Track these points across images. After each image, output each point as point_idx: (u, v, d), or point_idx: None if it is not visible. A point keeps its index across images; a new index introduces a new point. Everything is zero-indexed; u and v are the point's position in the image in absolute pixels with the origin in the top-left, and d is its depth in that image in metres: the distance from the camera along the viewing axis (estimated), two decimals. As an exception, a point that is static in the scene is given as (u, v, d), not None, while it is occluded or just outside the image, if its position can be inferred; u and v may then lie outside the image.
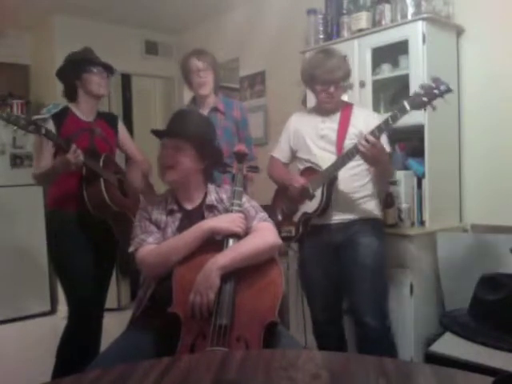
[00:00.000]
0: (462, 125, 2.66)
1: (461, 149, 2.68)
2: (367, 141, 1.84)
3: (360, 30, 2.70)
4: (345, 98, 2.46)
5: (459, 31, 2.64)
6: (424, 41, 2.41)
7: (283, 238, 2.36)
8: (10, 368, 2.85)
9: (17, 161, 3.83)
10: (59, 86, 2.31)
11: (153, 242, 1.62)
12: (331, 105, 2.17)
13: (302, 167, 2.26)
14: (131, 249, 1.65)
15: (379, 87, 2.70)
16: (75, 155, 1.94)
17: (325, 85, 2.11)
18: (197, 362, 1.14)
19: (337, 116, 2.19)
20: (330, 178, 2.09)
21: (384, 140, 2.03)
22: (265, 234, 1.62)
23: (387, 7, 2.61)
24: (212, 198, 1.73)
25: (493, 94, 2.53)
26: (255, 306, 1.47)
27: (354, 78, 2.62)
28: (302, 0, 3.24)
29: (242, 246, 1.57)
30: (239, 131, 2.55)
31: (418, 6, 2.47)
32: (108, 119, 2.37)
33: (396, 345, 2.23)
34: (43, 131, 1.90)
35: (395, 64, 2.64)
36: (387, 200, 2.46)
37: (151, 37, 4.57)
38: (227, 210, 1.69)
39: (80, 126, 2.19)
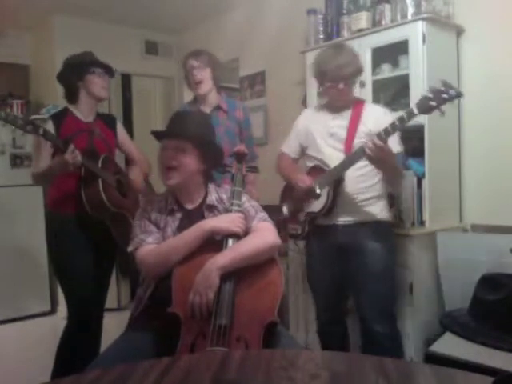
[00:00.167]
0: (461, 125, 2.66)
1: (461, 149, 2.68)
2: (374, 144, 1.81)
3: (360, 30, 2.70)
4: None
5: (459, 31, 2.64)
6: (424, 41, 2.41)
7: (290, 236, 2.37)
8: (10, 368, 2.85)
9: (17, 161, 3.83)
10: (59, 87, 2.31)
11: (152, 242, 1.62)
12: (341, 102, 2.14)
13: (309, 165, 2.24)
14: (130, 248, 1.65)
15: (379, 87, 2.70)
16: (73, 156, 1.94)
17: (334, 81, 2.05)
18: (197, 362, 1.14)
19: (347, 113, 2.14)
20: (336, 178, 2.07)
21: (394, 140, 1.99)
22: (264, 234, 1.62)
23: (387, 7, 2.61)
24: (212, 197, 1.73)
25: (493, 94, 2.53)
26: (255, 305, 1.47)
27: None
28: (302, 0, 3.24)
29: (242, 245, 1.57)
30: (241, 131, 2.56)
31: (417, 6, 2.47)
32: (107, 120, 2.37)
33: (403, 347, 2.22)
34: (41, 131, 1.89)
35: (395, 64, 2.64)
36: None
37: (151, 37, 4.57)
38: (227, 210, 1.69)
39: (79, 127, 2.19)
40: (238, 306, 1.45)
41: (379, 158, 1.85)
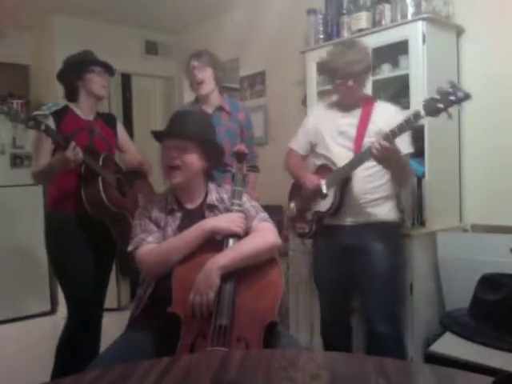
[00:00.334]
0: (461, 125, 2.66)
1: (461, 149, 2.68)
2: (380, 145, 1.79)
3: (360, 30, 2.70)
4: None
5: (459, 31, 2.64)
6: (424, 41, 2.41)
7: (297, 234, 2.36)
8: (10, 368, 2.85)
9: (17, 161, 3.83)
10: (59, 86, 2.31)
11: (153, 242, 1.62)
12: (351, 99, 2.11)
13: (317, 163, 2.22)
14: (130, 247, 1.65)
15: (379, 87, 2.70)
16: (74, 152, 1.93)
17: (344, 78, 2.02)
18: (197, 362, 1.14)
19: (358, 112, 2.11)
20: (344, 178, 2.05)
21: (405, 140, 1.96)
22: (265, 234, 1.62)
23: (387, 7, 2.61)
24: (213, 197, 1.73)
25: (493, 94, 2.53)
26: (255, 306, 1.47)
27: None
28: (302, 0, 3.24)
29: (243, 245, 1.57)
30: (242, 132, 2.57)
31: (418, 5, 2.47)
32: (107, 120, 2.37)
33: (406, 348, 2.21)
34: (43, 127, 1.89)
35: (395, 64, 2.64)
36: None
37: (151, 37, 4.57)
38: (228, 210, 1.69)
39: (79, 125, 2.19)
40: (239, 306, 1.45)
41: (385, 158, 1.83)
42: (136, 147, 2.52)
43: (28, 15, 3.97)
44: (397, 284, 2.14)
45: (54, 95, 3.62)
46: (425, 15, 2.41)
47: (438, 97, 1.67)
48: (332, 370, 1.07)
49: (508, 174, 2.50)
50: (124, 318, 1.71)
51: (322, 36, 2.98)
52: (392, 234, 2.14)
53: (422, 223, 2.50)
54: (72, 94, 2.24)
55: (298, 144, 2.32)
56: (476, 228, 2.60)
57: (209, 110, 2.51)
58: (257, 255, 1.55)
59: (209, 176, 1.78)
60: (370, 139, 2.00)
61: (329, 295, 2.25)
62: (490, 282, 2.05)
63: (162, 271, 1.57)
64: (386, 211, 2.11)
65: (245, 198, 1.74)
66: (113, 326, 2.07)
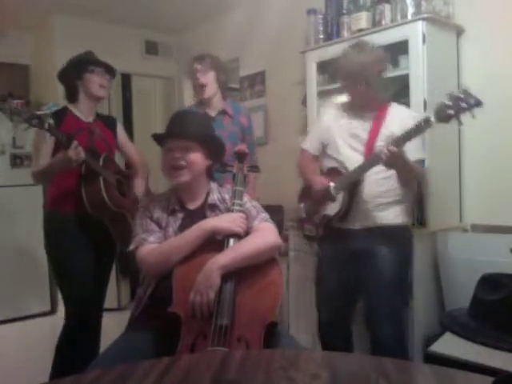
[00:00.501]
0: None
1: (461, 149, 2.68)
2: (388, 150, 1.77)
3: (360, 30, 2.70)
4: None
5: (459, 31, 2.64)
6: (424, 41, 2.41)
7: (305, 236, 2.35)
8: (10, 368, 2.85)
9: (17, 161, 3.83)
10: (59, 87, 2.31)
11: (154, 241, 1.62)
12: (363, 102, 2.08)
13: (327, 165, 2.20)
14: (131, 247, 1.65)
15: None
16: (76, 152, 1.93)
17: (354, 82, 2.00)
18: (197, 362, 1.14)
19: (371, 114, 2.07)
20: (354, 182, 2.02)
21: (416, 145, 1.92)
22: (265, 235, 1.62)
23: (387, 7, 2.61)
24: (214, 197, 1.73)
25: (493, 94, 2.52)
26: (256, 306, 1.47)
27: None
28: (302, 0, 3.24)
29: (243, 245, 1.57)
30: (244, 137, 2.58)
31: (418, 5, 2.47)
32: (107, 122, 2.37)
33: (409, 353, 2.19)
34: (46, 126, 1.89)
35: (395, 64, 2.64)
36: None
37: (151, 37, 4.57)
38: (229, 210, 1.69)
39: (79, 126, 2.19)
40: (239, 306, 1.45)
41: (393, 163, 1.82)
42: (135, 149, 2.52)
43: (28, 15, 3.97)
44: (403, 289, 2.11)
45: (54, 95, 3.62)
46: (425, 15, 2.41)
47: (449, 103, 1.64)
48: (332, 370, 1.07)
49: (508, 174, 2.50)
50: (124, 318, 1.71)
51: (321, 36, 2.97)
52: (400, 238, 2.10)
53: (422, 223, 2.50)
54: (72, 95, 2.24)
55: (310, 144, 2.30)
56: (476, 228, 2.60)
57: (212, 113, 2.52)
58: (257, 255, 1.55)
59: (211, 175, 1.78)
60: (381, 143, 1.96)
61: (331, 298, 2.21)
62: (490, 282, 2.05)
63: (162, 271, 1.57)
64: (395, 215, 2.08)
65: (246, 198, 1.74)
66: (113, 326, 2.07)
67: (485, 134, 2.58)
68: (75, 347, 2.12)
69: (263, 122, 3.80)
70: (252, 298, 1.49)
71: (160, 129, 1.90)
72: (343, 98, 2.87)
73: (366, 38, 2.61)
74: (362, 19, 2.69)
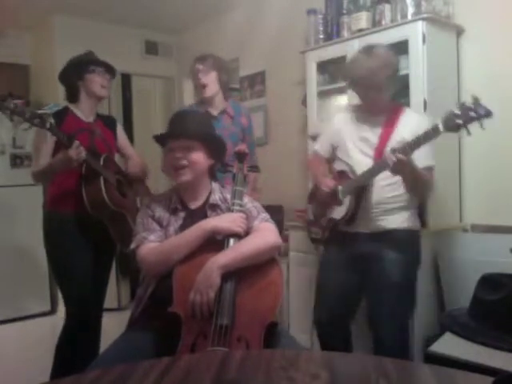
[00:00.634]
0: (461, 125, 2.66)
1: (461, 149, 2.68)
2: (396, 157, 1.74)
3: (360, 30, 2.70)
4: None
5: (459, 31, 2.64)
6: (424, 41, 2.41)
7: (312, 239, 2.33)
8: (10, 368, 2.85)
9: (17, 161, 3.83)
10: (59, 87, 2.32)
11: (154, 240, 1.62)
12: (374, 107, 2.05)
13: (337, 168, 2.18)
14: (132, 246, 1.65)
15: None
16: (77, 151, 1.93)
17: (367, 88, 1.97)
18: (197, 362, 1.14)
19: (382, 119, 2.04)
20: (361, 186, 2.00)
21: (424, 152, 1.87)
22: (265, 235, 1.62)
23: (387, 7, 2.61)
24: (216, 197, 1.74)
25: (493, 94, 2.52)
26: (256, 306, 1.47)
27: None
28: (302, 0, 3.24)
29: (243, 245, 1.57)
30: (244, 137, 2.58)
31: (417, 5, 2.47)
32: (107, 122, 2.37)
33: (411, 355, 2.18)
34: (48, 125, 1.89)
35: (395, 64, 2.64)
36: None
37: (151, 37, 4.57)
38: (229, 210, 1.69)
39: (80, 126, 2.19)
40: (239, 306, 1.45)
41: (400, 170, 1.80)
42: (135, 150, 2.52)
43: (28, 15, 3.97)
44: (410, 294, 2.09)
45: (54, 95, 3.63)
46: (425, 15, 2.41)
47: (458, 112, 1.62)
48: (332, 370, 1.07)
49: (508, 174, 2.50)
50: (124, 318, 1.71)
51: (321, 36, 2.98)
52: (408, 243, 2.07)
53: (422, 223, 2.50)
54: (73, 95, 2.24)
55: (321, 146, 2.28)
56: (476, 228, 2.59)
57: (214, 112, 2.53)
58: (257, 255, 1.55)
59: (213, 175, 1.79)
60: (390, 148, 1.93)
61: (333, 299, 2.18)
62: (490, 282, 2.05)
63: (162, 270, 1.57)
64: (401, 220, 2.05)
65: (246, 199, 1.74)
66: (113, 326, 2.07)
67: (485, 134, 2.57)
68: (75, 347, 2.12)
69: (263, 122, 3.80)
70: (252, 298, 1.49)
71: (160, 129, 1.90)
72: (343, 99, 2.91)
73: (366, 38, 2.63)
74: (362, 19, 2.69)
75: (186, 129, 1.67)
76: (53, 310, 3.96)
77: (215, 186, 1.77)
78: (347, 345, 2.30)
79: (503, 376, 0.86)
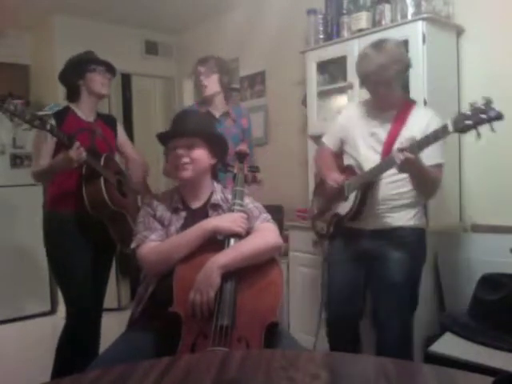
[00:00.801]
0: (462, 125, 2.66)
1: (461, 148, 2.68)
2: (404, 156, 1.72)
3: (360, 30, 2.70)
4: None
5: (459, 31, 2.64)
6: (424, 41, 2.41)
7: (317, 234, 2.32)
8: (10, 368, 2.85)
9: (17, 161, 3.83)
10: (59, 87, 2.32)
11: (155, 239, 1.62)
12: (384, 103, 2.02)
13: (346, 162, 2.15)
14: (133, 245, 1.65)
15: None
16: (78, 152, 1.93)
17: (374, 84, 1.95)
18: (197, 362, 1.14)
19: (392, 114, 2.01)
20: (367, 182, 1.98)
21: (433, 150, 1.83)
22: (266, 235, 1.63)
23: (387, 7, 2.61)
24: (217, 197, 1.74)
25: (493, 94, 2.52)
26: (256, 306, 1.47)
27: (355, 78, 2.61)
28: (302, 0, 3.24)
29: (243, 245, 1.57)
30: (244, 138, 2.60)
31: (418, 5, 2.47)
32: (107, 121, 2.37)
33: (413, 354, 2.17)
34: (48, 127, 1.89)
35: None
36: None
37: (151, 37, 4.57)
38: (230, 210, 1.69)
39: (80, 126, 2.19)
40: (240, 306, 1.45)
41: (407, 169, 1.79)
42: (135, 150, 2.52)
43: (28, 15, 3.97)
44: (414, 292, 2.07)
45: (54, 95, 3.63)
46: (425, 15, 2.41)
47: (468, 113, 1.60)
48: (332, 370, 1.07)
49: (508, 174, 2.49)
50: (124, 318, 1.72)
51: (321, 36, 2.97)
52: (413, 241, 2.05)
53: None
54: (73, 94, 2.24)
55: (330, 139, 2.24)
56: (476, 228, 2.59)
57: (216, 113, 2.55)
58: (257, 255, 1.55)
59: (215, 175, 1.79)
60: (399, 145, 1.88)
61: (341, 296, 2.17)
62: (489, 282, 2.05)
63: (163, 269, 1.57)
64: (407, 218, 2.03)
65: (247, 199, 1.74)
66: (113, 326, 2.07)
67: (485, 134, 2.58)
68: (75, 347, 2.12)
69: (263, 122, 3.80)
70: (252, 298, 1.49)
71: (160, 129, 1.91)
72: (343, 99, 2.90)
73: (366, 38, 2.61)
74: (362, 19, 2.69)
75: (189, 127, 1.67)
76: (53, 310, 3.96)
77: (217, 186, 1.78)
78: (357, 343, 2.28)
79: (503, 376, 0.86)
